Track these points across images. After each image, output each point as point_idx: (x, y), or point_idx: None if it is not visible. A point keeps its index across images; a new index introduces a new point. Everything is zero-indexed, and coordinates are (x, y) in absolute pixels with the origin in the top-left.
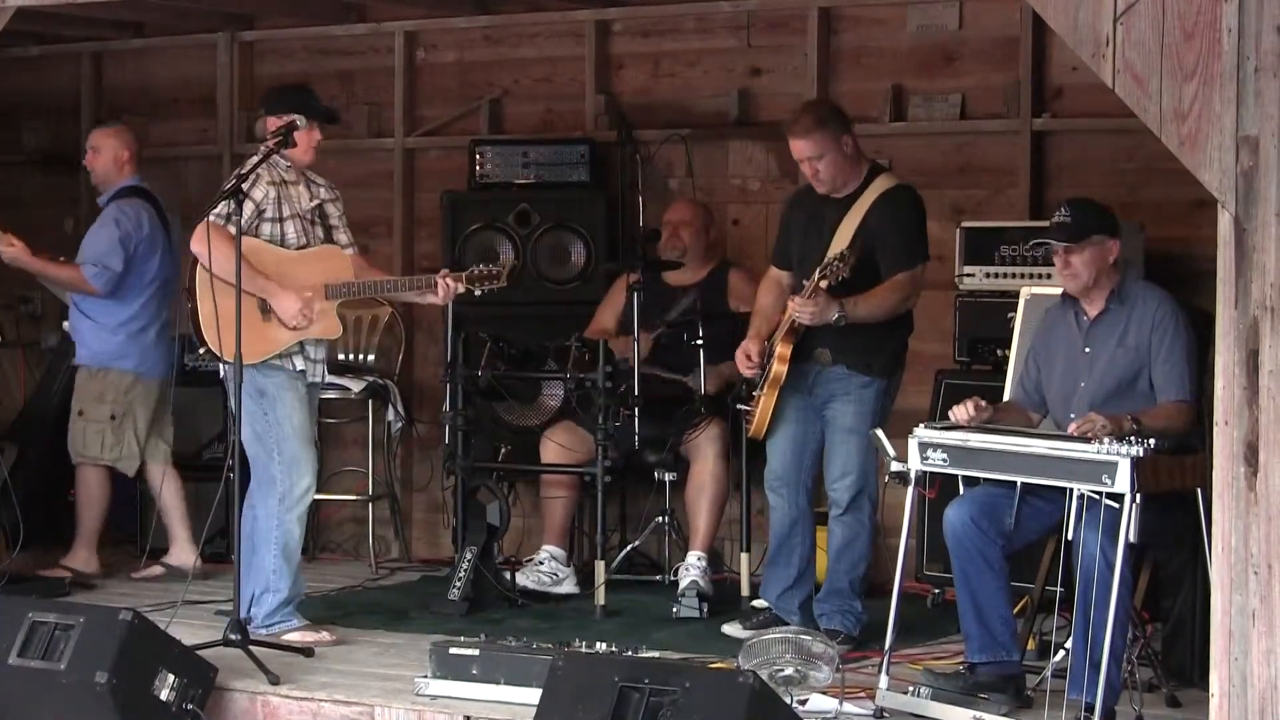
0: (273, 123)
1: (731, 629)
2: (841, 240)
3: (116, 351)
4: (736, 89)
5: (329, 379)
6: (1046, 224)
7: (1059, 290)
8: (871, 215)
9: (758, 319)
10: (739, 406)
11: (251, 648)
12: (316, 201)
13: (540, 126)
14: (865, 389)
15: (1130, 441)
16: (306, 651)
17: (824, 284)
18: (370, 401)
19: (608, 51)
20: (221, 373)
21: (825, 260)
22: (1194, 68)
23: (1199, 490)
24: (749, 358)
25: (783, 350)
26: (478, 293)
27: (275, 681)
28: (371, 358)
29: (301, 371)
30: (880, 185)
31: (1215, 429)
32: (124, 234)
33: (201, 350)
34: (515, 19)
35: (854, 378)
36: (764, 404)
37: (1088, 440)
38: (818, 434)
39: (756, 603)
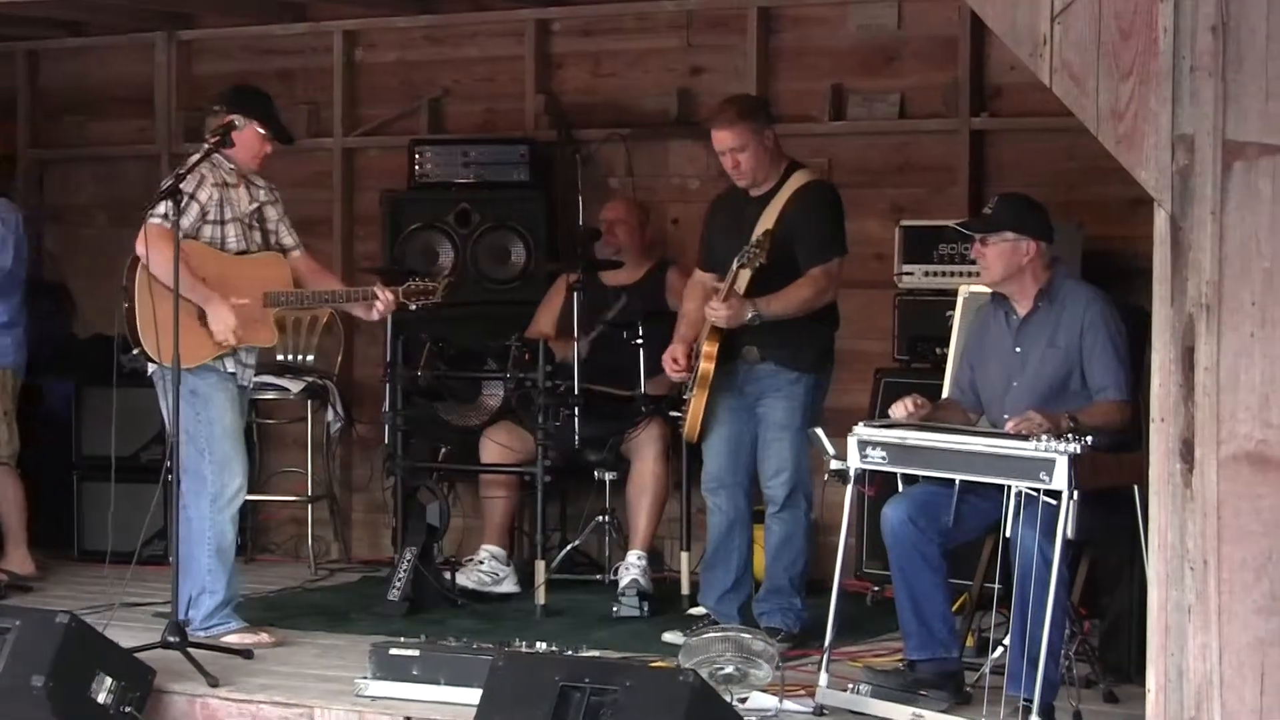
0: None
1: (673, 636)
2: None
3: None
4: (677, 88)
5: (269, 380)
6: None
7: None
8: (789, 210)
9: (682, 324)
10: (672, 414)
11: (190, 650)
12: (256, 205)
13: (480, 126)
14: (795, 384)
15: (1068, 439)
16: (246, 653)
17: (744, 272)
18: (310, 402)
19: (548, 51)
20: (149, 372)
21: (741, 250)
22: (1131, 67)
23: (1136, 487)
24: (675, 361)
25: (709, 349)
26: (413, 306)
27: (214, 684)
28: (311, 358)
29: (232, 374)
30: (797, 181)
31: (1152, 426)
32: (3, 234)
33: (135, 351)
34: (455, 18)
35: (783, 373)
36: (695, 405)
37: (1025, 438)
38: (752, 433)
39: (694, 610)
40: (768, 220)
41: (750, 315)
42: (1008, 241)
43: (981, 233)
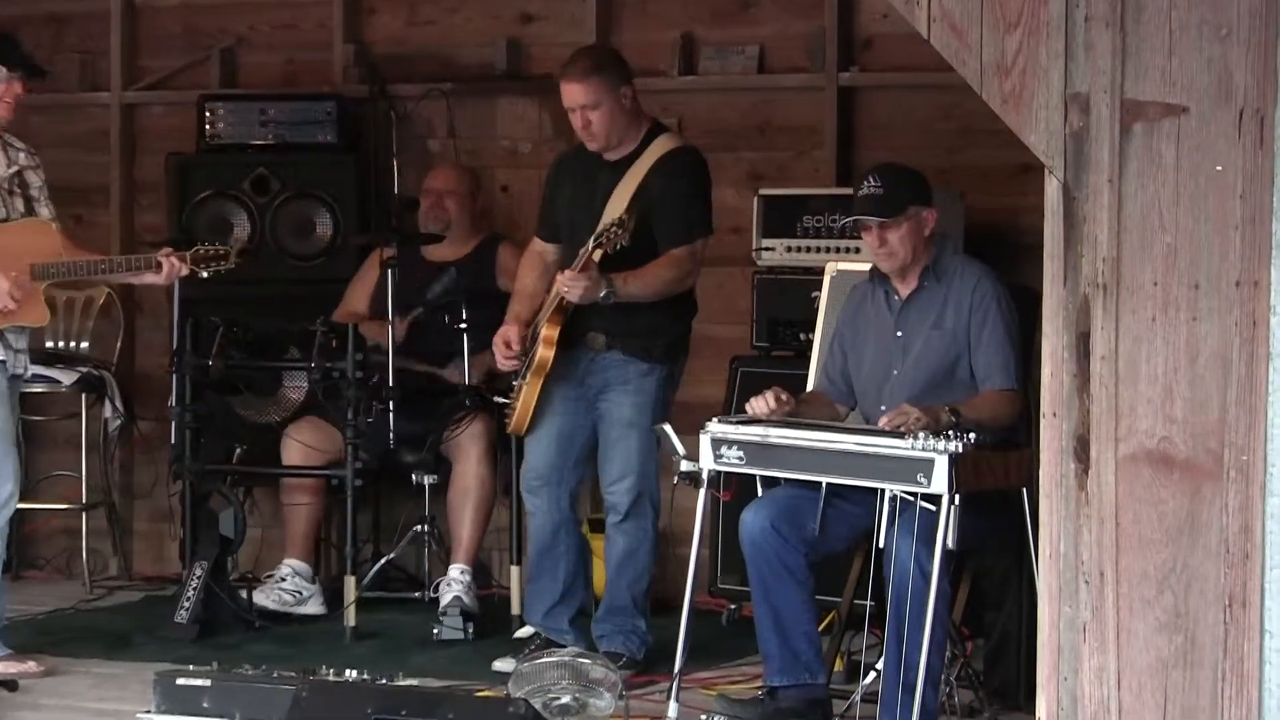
0: None
1: (503, 664)
2: (616, 207)
3: None
4: (504, 38)
5: (35, 370)
6: (853, 192)
7: (868, 266)
8: (650, 180)
9: (518, 301)
10: (497, 400)
11: None
12: (15, 168)
13: (281, 80)
14: (645, 377)
15: (948, 436)
16: (10, 684)
17: (599, 255)
18: (84, 395)
19: None
20: None
21: (600, 228)
22: (1018, 17)
23: (1024, 490)
24: (508, 345)
25: (549, 333)
26: (204, 274)
27: None
28: (86, 345)
29: (2, 363)
30: (661, 147)
31: (1042, 421)
32: None
33: None
34: None
35: (633, 364)
36: (526, 394)
37: (901, 435)
38: (588, 429)
39: (521, 632)
40: (625, 192)
41: (604, 293)
42: (911, 218)
43: (889, 216)
